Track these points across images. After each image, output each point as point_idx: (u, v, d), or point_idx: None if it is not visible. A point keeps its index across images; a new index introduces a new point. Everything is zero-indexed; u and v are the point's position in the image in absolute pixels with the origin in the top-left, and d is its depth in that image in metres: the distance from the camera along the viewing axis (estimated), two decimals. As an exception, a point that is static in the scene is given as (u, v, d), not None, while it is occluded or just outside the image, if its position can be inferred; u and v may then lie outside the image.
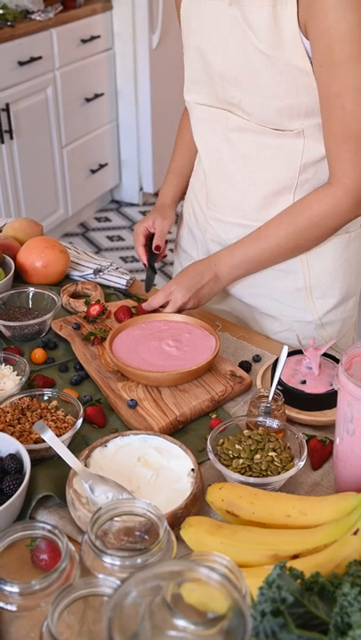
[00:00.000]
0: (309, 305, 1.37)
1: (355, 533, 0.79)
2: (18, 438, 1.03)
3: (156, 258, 1.50)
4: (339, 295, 1.37)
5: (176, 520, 0.91)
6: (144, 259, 1.49)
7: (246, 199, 1.32)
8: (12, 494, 0.92)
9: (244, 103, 1.20)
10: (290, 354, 1.19)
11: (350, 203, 1.18)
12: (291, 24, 1.08)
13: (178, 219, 1.59)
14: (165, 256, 1.55)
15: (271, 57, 1.12)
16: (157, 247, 1.49)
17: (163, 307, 1.32)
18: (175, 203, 1.57)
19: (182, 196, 1.58)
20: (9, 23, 3.11)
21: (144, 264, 1.49)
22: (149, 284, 1.47)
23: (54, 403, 1.12)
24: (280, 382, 1.14)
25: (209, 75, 1.24)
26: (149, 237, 1.51)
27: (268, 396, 1.07)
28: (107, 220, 4.14)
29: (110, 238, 3.94)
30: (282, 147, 1.22)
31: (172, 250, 1.68)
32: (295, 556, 0.81)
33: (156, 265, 1.51)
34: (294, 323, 1.39)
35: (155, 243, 1.49)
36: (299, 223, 1.24)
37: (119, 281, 1.53)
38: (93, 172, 3.92)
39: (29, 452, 0.98)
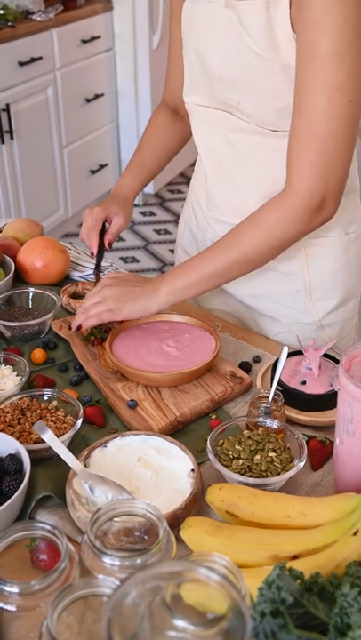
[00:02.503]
0: (309, 306, 1.37)
1: (355, 534, 0.79)
2: (18, 438, 1.03)
3: (102, 256, 1.43)
4: (339, 297, 1.37)
5: (176, 520, 0.91)
6: (95, 247, 1.41)
7: (247, 200, 1.31)
8: (12, 494, 0.92)
9: (243, 105, 1.20)
10: (290, 354, 1.19)
11: (300, 211, 1.11)
12: (284, 25, 1.08)
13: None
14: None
15: (267, 59, 1.11)
16: (110, 244, 1.43)
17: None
18: (135, 197, 1.51)
19: (140, 192, 1.52)
20: (9, 23, 3.11)
21: (92, 252, 1.41)
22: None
23: (54, 403, 1.12)
24: (280, 383, 1.14)
25: (208, 77, 1.24)
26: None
27: (267, 397, 1.07)
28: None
29: (110, 239, 3.93)
30: (281, 147, 1.22)
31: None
32: (295, 557, 0.81)
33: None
34: (294, 324, 1.39)
35: (108, 239, 1.42)
36: (248, 235, 1.17)
37: (119, 281, 1.53)
38: (94, 172, 3.92)
39: (29, 452, 0.98)
